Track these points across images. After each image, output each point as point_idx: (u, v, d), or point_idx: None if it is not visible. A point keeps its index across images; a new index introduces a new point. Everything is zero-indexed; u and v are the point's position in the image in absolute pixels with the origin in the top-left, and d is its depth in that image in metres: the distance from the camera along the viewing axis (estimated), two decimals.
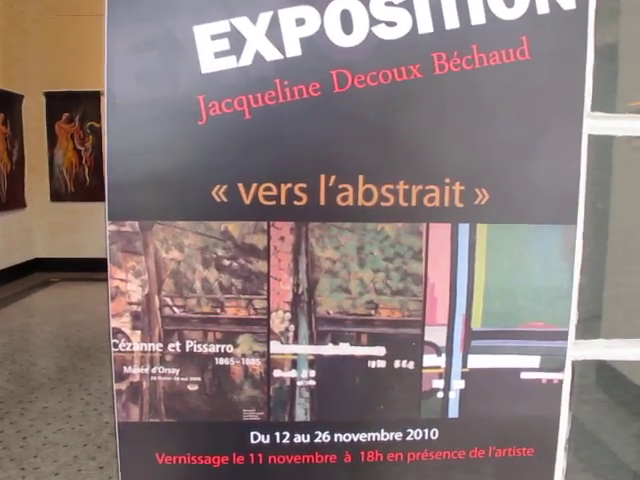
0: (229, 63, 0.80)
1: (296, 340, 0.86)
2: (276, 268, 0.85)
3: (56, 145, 7.12)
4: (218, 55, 0.80)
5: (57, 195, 7.18)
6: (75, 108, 7.06)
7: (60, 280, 6.78)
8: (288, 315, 0.86)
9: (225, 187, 0.82)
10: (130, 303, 0.85)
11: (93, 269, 7.07)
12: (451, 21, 0.82)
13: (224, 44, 0.80)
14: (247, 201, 0.83)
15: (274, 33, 0.80)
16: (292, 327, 0.86)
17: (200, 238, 0.83)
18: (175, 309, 0.85)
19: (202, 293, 0.85)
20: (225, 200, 0.83)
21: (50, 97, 7.04)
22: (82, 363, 4.01)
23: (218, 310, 0.85)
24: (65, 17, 6.92)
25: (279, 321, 0.86)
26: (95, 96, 7.02)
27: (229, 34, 0.80)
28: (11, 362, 4.05)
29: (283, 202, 0.83)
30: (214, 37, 0.80)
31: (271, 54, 0.80)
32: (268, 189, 0.83)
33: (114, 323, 0.85)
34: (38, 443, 2.92)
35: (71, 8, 6.89)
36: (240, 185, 0.82)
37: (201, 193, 0.82)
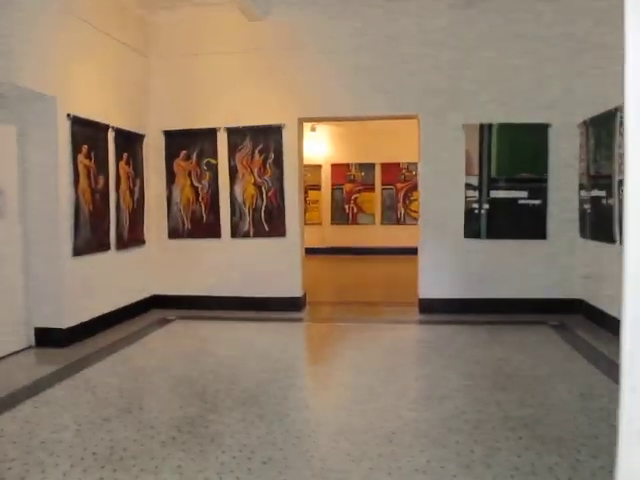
0: None
1: None
2: None
3: (174, 182, 7.15)
4: None
5: (174, 232, 7.19)
6: (192, 145, 7.08)
7: (177, 318, 6.71)
8: None
9: None
10: None
11: (208, 307, 7.02)
12: None
13: None
14: None
15: None
16: None
17: None
18: None
19: None
20: None
21: (169, 135, 7.12)
22: (211, 414, 3.76)
23: None
24: (181, 58, 7.01)
25: None
26: (212, 133, 7.03)
27: None
28: (139, 409, 3.88)
29: None
30: None
31: None
32: None
33: None
34: None
35: (187, 48, 6.98)
36: None
37: None
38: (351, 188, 13.76)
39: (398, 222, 13.57)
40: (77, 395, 4.14)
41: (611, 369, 4.59)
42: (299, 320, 6.74)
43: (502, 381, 4.36)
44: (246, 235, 7.06)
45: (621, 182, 5.32)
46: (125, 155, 6.48)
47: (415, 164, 12.63)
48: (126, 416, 3.72)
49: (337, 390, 4.31)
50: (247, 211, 7.04)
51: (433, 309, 6.76)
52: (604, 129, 5.72)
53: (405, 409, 3.86)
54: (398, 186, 13.58)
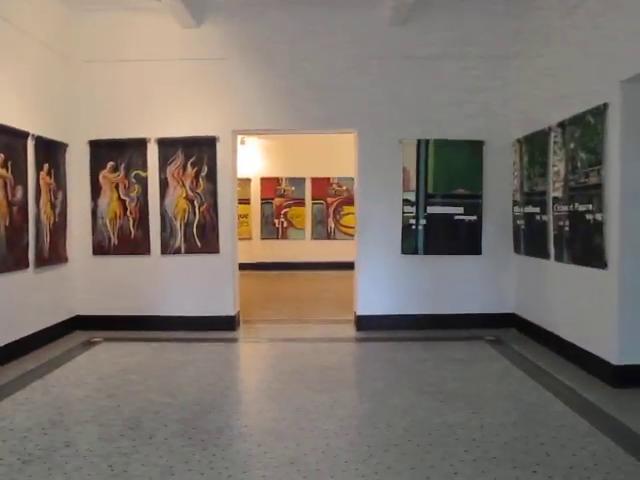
0: None
1: None
2: None
3: (100, 195, 6.72)
4: None
5: (100, 248, 6.74)
6: (120, 157, 6.69)
7: (103, 340, 6.27)
8: None
9: None
10: None
11: (136, 327, 6.61)
12: None
13: None
14: None
15: None
16: None
17: None
18: None
19: None
20: None
21: (95, 145, 6.70)
22: (145, 447, 3.45)
23: None
24: (110, 63, 6.64)
25: None
26: (141, 144, 6.68)
27: None
28: (65, 446, 3.50)
29: None
30: None
31: None
32: None
33: None
34: None
35: (116, 54, 6.62)
36: None
37: None
38: (281, 202, 13.60)
39: (329, 237, 13.52)
40: None
41: (551, 383, 4.63)
42: (233, 340, 6.46)
43: (448, 400, 4.28)
44: (177, 252, 6.73)
45: (555, 199, 5.43)
46: (46, 165, 6.03)
47: (346, 179, 12.70)
48: (50, 456, 3.34)
49: (279, 415, 4.08)
50: (178, 226, 6.72)
51: (370, 326, 6.66)
52: (537, 147, 5.84)
53: (353, 434, 3.70)
54: (328, 201, 13.53)
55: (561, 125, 5.27)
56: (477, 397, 4.36)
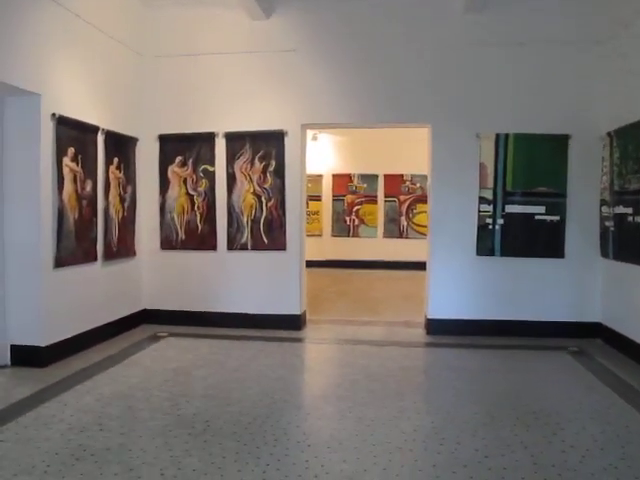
0: None
1: None
2: None
3: (168, 190, 6.72)
4: None
5: (167, 242, 6.74)
6: (189, 151, 6.66)
7: (168, 335, 6.26)
8: None
9: None
10: None
11: (201, 323, 6.56)
12: None
13: None
14: None
15: None
16: None
17: None
18: None
19: None
20: None
21: (164, 140, 6.69)
22: (199, 452, 3.30)
23: None
24: (179, 58, 6.61)
25: None
26: (209, 138, 6.62)
27: None
28: (118, 445, 3.41)
29: None
30: None
31: None
32: None
33: None
34: None
35: (185, 48, 6.59)
36: None
37: None
38: (353, 199, 13.35)
39: (401, 235, 13.14)
40: (50, 426, 3.68)
41: None
42: (298, 340, 6.28)
43: (524, 417, 3.91)
44: (244, 248, 6.62)
45: None
46: (116, 159, 6.06)
47: (419, 176, 12.30)
48: (103, 455, 3.26)
49: (339, 424, 3.85)
50: (245, 222, 6.61)
51: (441, 330, 6.32)
52: (631, 141, 5.31)
53: (420, 451, 3.41)
54: (401, 198, 13.16)
55: None
56: (557, 415, 3.96)
